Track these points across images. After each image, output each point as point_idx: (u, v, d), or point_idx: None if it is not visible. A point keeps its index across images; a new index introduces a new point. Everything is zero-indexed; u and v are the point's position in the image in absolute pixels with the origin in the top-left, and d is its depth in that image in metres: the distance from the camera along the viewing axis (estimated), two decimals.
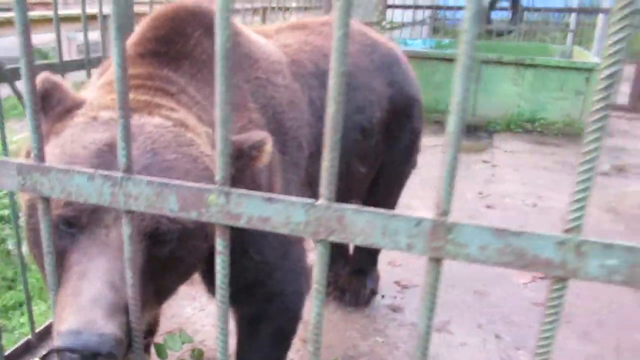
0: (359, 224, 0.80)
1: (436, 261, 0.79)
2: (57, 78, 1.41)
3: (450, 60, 6.83)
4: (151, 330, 2.12)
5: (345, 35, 0.72)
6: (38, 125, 0.92)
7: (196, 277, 2.80)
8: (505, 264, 0.75)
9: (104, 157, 1.23)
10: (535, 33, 11.02)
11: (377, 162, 2.44)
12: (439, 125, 6.87)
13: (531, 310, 2.88)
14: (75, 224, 1.19)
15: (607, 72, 0.67)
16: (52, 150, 1.27)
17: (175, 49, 1.55)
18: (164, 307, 2.17)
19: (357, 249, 2.98)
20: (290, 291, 1.82)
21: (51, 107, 1.36)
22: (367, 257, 2.92)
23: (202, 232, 1.32)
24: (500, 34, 9.68)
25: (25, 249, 2.93)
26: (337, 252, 3.05)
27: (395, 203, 2.79)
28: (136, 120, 1.30)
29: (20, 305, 2.92)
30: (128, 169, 0.88)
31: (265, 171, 1.58)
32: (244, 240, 1.54)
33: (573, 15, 10.13)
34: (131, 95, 1.30)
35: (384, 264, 3.22)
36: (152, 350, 2.00)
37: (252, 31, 1.95)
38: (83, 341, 1.00)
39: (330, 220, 0.81)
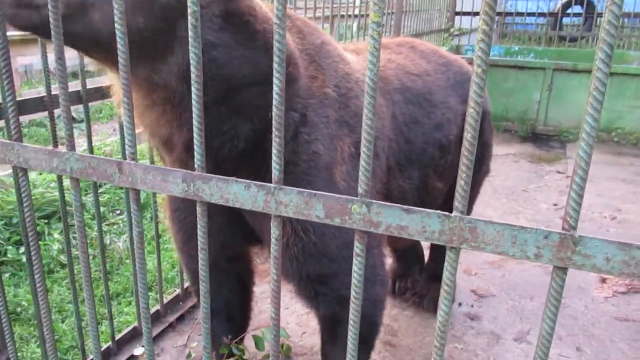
0: (490, 235, 0.89)
1: (561, 270, 0.88)
2: None
3: (521, 67, 6.73)
4: (243, 325, 2.28)
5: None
6: (201, 142, 1.07)
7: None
8: (629, 274, 0.83)
9: None
10: None
11: (451, 178, 2.49)
12: (509, 133, 6.79)
13: (612, 324, 2.84)
14: None
15: None
16: None
17: None
18: (252, 305, 2.34)
19: (433, 255, 3.04)
20: (364, 297, 1.87)
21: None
22: (443, 264, 2.96)
23: None
24: (573, 39, 9.40)
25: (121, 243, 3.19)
26: (412, 258, 3.12)
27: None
28: None
29: (117, 295, 3.20)
30: (279, 181, 1.02)
31: (326, 152, 1.68)
32: (309, 235, 1.64)
33: None
34: None
35: (459, 271, 3.26)
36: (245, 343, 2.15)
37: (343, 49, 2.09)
38: None
39: (463, 230, 0.91)
